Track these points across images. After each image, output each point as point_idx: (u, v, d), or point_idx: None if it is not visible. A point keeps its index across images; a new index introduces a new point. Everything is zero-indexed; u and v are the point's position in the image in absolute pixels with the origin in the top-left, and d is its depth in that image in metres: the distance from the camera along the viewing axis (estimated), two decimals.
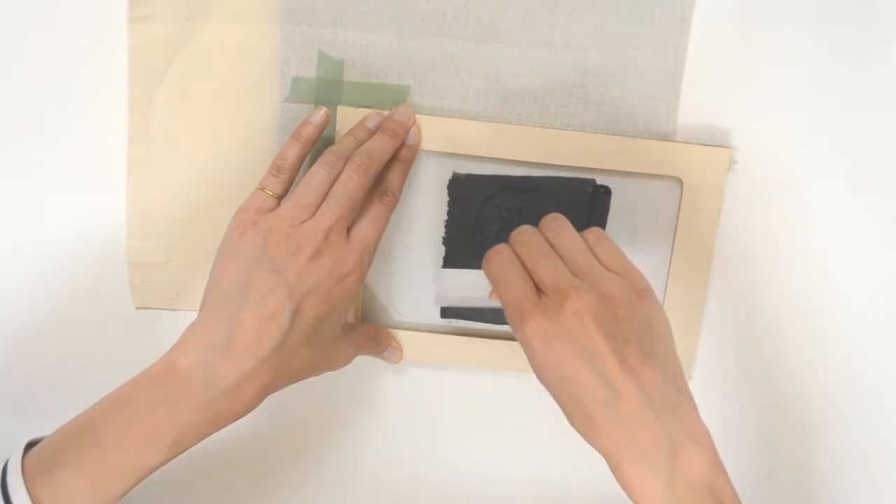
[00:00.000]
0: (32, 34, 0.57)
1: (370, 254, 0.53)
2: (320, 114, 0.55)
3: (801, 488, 0.62)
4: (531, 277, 0.48)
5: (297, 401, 0.59)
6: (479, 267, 0.58)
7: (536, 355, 0.47)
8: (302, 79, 0.57)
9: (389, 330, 0.59)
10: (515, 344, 0.59)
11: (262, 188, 0.52)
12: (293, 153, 0.54)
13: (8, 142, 0.58)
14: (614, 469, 0.46)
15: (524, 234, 0.50)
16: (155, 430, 0.48)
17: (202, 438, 0.49)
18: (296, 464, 0.63)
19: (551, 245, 0.49)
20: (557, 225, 0.50)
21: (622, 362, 0.45)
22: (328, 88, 0.57)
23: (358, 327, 0.58)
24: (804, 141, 0.57)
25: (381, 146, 0.54)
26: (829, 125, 0.57)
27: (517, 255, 0.49)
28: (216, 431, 0.50)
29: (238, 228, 0.51)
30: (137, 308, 0.60)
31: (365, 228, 0.53)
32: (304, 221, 0.51)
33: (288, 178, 0.53)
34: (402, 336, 0.60)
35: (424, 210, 0.59)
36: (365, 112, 0.56)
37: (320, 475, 0.63)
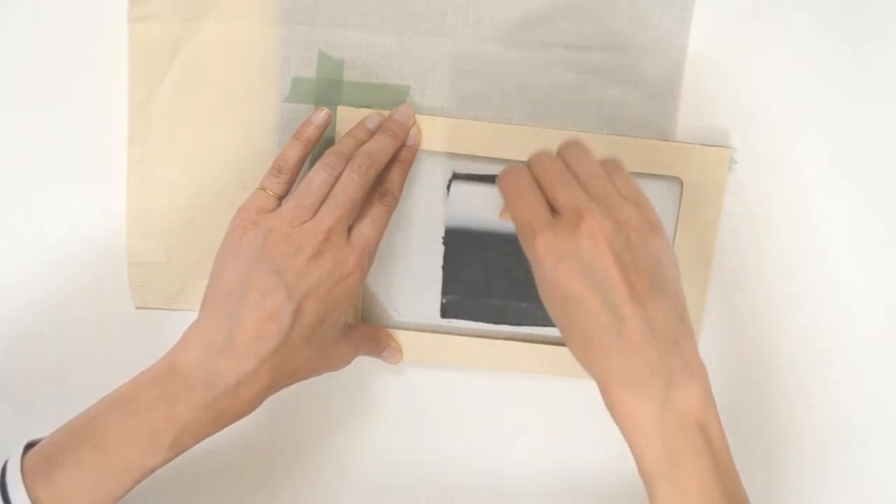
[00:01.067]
0: (32, 34, 0.57)
1: (370, 254, 0.53)
2: (321, 114, 0.55)
3: (799, 488, 0.62)
4: (546, 198, 0.48)
5: (297, 401, 0.59)
6: (477, 267, 0.58)
7: (545, 273, 0.46)
8: (302, 79, 0.57)
9: (389, 330, 0.59)
10: (516, 344, 0.60)
11: (262, 188, 0.52)
12: (294, 153, 0.54)
13: (8, 142, 0.58)
14: (606, 394, 0.46)
15: (542, 156, 0.49)
16: (155, 430, 0.48)
17: (202, 439, 0.49)
18: (295, 464, 0.63)
19: (569, 168, 0.48)
20: (577, 149, 0.49)
21: (630, 289, 0.45)
22: (328, 88, 0.57)
23: (357, 328, 0.58)
24: (804, 141, 0.57)
25: (381, 147, 0.54)
26: (829, 125, 0.57)
27: (534, 175, 0.49)
28: (217, 432, 0.50)
29: (238, 228, 0.51)
30: (137, 308, 0.60)
31: (365, 229, 0.53)
32: (305, 222, 0.51)
33: (289, 179, 0.53)
34: (402, 336, 0.60)
35: (424, 210, 0.58)
36: (365, 112, 0.56)
37: (320, 475, 0.63)
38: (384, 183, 0.55)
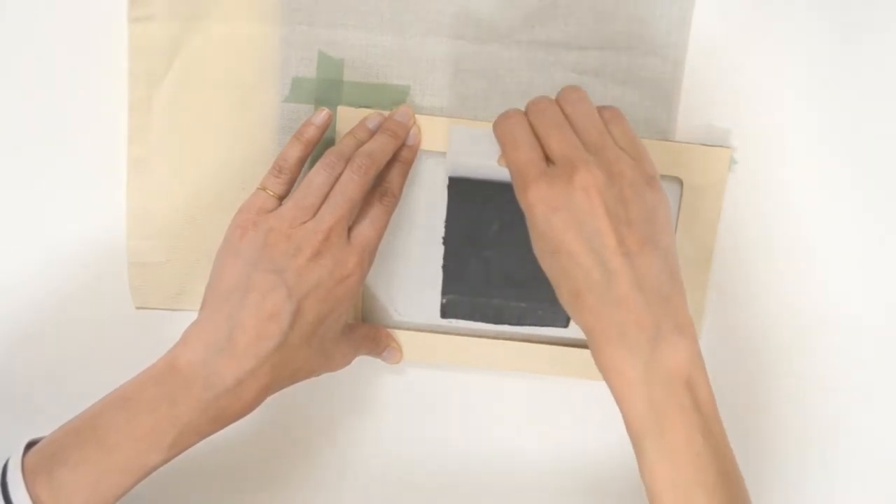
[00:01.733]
0: (32, 34, 0.57)
1: (371, 254, 0.53)
2: (322, 115, 0.55)
3: (798, 491, 0.62)
4: (541, 145, 0.47)
5: (297, 401, 0.59)
6: (477, 267, 0.58)
7: (537, 223, 0.46)
8: (302, 79, 0.57)
9: (389, 330, 0.59)
10: (516, 344, 0.60)
11: (263, 188, 0.52)
12: (294, 154, 0.54)
13: (8, 142, 0.58)
14: (594, 349, 0.46)
15: (540, 103, 0.49)
16: (156, 429, 0.48)
17: (203, 438, 0.49)
18: (296, 463, 0.63)
19: (566, 116, 0.48)
20: (576, 96, 0.49)
21: (620, 243, 0.45)
22: (328, 88, 0.57)
23: (358, 328, 0.58)
24: (804, 140, 0.57)
25: (381, 147, 0.54)
26: (829, 125, 0.57)
27: (530, 122, 0.48)
28: (217, 431, 0.50)
29: (239, 228, 0.51)
30: (137, 308, 0.60)
31: (365, 229, 0.53)
32: (305, 222, 0.51)
33: (289, 179, 0.53)
34: (402, 336, 0.60)
35: (424, 210, 0.58)
36: (365, 112, 0.56)
37: (320, 475, 0.63)
38: (384, 183, 0.55)
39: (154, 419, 0.48)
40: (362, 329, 0.58)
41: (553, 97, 0.49)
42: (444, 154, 0.57)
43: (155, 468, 0.48)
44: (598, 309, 0.45)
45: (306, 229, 0.50)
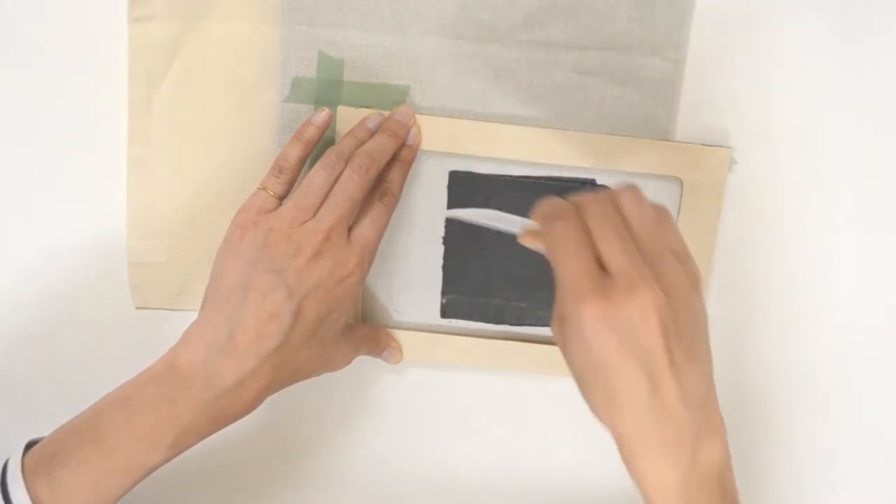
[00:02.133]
0: (32, 34, 0.57)
1: (371, 254, 0.53)
2: (322, 115, 0.55)
3: (794, 491, 0.62)
4: (594, 250, 0.45)
5: (297, 401, 0.59)
6: (477, 267, 0.58)
7: (586, 336, 0.44)
8: (302, 79, 0.57)
9: (389, 330, 0.59)
10: (516, 344, 0.59)
11: (263, 188, 0.53)
12: (295, 154, 0.54)
13: (8, 142, 0.58)
14: (628, 451, 0.45)
15: (595, 205, 0.46)
16: (156, 429, 0.48)
17: (203, 438, 0.49)
18: (296, 464, 0.63)
19: (624, 220, 0.46)
20: (633, 199, 0.46)
21: (670, 359, 0.44)
22: (328, 88, 0.57)
23: (358, 328, 0.58)
24: (804, 140, 0.57)
25: (381, 146, 0.54)
26: (829, 124, 0.57)
27: (586, 224, 0.45)
28: (217, 431, 0.50)
29: (239, 228, 0.51)
30: (137, 308, 0.60)
31: (366, 229, 0.53)
32: (305, 222, 0.51)
33: (289, 179, 0.53)
34: (402, 336, 0.60)
35: (425, 210, 0.58)
36: (365, 112, 0.56)
37: (320, 475, 0.63)
38: (384, 183, 0.55)
39: (154, 419, 0.48)
40: (362, 329, 0.58)
41: (608, 196, 0.46)
42: (444, 154, 0.57)
43: (155, 468, 0.48)
44: (637, 417, 0.44)
45: (306, 229, 0.50)
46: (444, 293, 0.59)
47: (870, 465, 0.61)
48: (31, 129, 0.58)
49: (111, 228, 0.59)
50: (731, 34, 0.56)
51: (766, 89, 0.57)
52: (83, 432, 0.48)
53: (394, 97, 0.57)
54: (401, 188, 0.55)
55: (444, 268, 0.59)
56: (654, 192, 0.57)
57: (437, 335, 0.60)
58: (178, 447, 0.48)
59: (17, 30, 0.57)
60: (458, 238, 0.58)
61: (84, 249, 0.59)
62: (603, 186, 0.57)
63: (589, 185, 0.57)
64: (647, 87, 0.57)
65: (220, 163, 0.58)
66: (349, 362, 0.56)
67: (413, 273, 0.59)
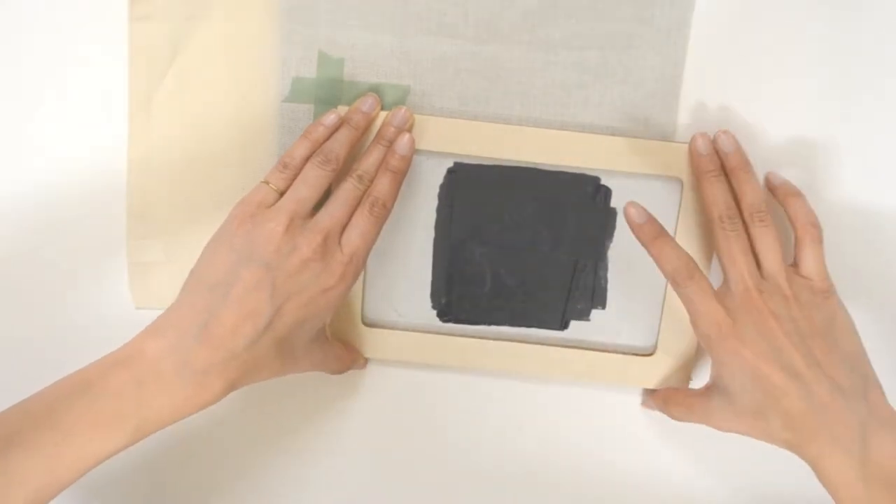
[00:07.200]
0: (33, 34, 0.57)
1: (356, 267, 0.52)
2: (332, 116, 0.55)
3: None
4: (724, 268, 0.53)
5: (295, 403, 0.59)
6: (477, 268, 0.58)
7: (728, 364, 0.51)
8: (302, 79, 0.57)
9: (389, 330, 0.59)
10: (516, 345, 0.59)
11: (266, 182, 0.52)
12: (301, 152, 0.53)
13: (7, 141, 0.58)
14: (812, 456, 0.49)
15: (734, 227, 0.53)
16: (118, 415, 0.47)
17: (163, 426, 0.48)
18: (290, 464, 0.63)
19: (751, 238, 0.53)
20: (763, 217, 0.53)
21: (807, 356, 0.49)
22: (328, 88, 0.57)
23: (332, 346, 0.57)
24: (804, 140, 0.57)
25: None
26: (829, 124, 0.57)
27: (720, 242, 0.53)
28: (177, 420, 0.48)
29: (236, 220, 0.51)
30: (137, 308, 0.60)
31: (355, 240, 0.52)
32: (304, 221, 0.51)
33: (293, 176, 0.53)
34: (403, 337, 0.59)
35: (425, 211, 0.58)
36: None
37: (317, 476, 0.63)
38: (373, 192, 0.53)
39: (118, 405, 0.47)
40: (336, 349, 0.58)
41: (739, 220, 0.53)
42: (443, 154, 0.57)
43: (113, 454, 0.47)
44: (807, 419, 0.49)
45: (304, 230, 0.50)
46: (443, 294, 0.59)
47: None
48: (31, 128, 0.58)
49: (111, 227, 0.59)
50: (732, 34, 0.56)
51: (766, 89, 0.57)
52: (39, 415, 0.46)
53: (394, 97, 0.57)
54: (392, 198, 0.54)
55: (444, 268, 0.59)
56: (654, 192, 0.57)
57: (437, 336, 0.59)
58: (138, 434, 0.47)
59: (17, 30, 0.57)
60: (457, 238, 0.58)
61: (84, 249, 0.59)
62: (605, 187, 0.57)
63: (591, 183, 0.57)
64: (647, 87, 0.57)
65: (219, 162, 0.58)
66: (315, 369, 0.55)
67: (413, 274, 0.59)
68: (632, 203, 0.54)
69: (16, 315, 0.60)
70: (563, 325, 0.60)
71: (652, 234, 0.53)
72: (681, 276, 0.52)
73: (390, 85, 0.57)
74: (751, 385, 0.50)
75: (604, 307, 0.60)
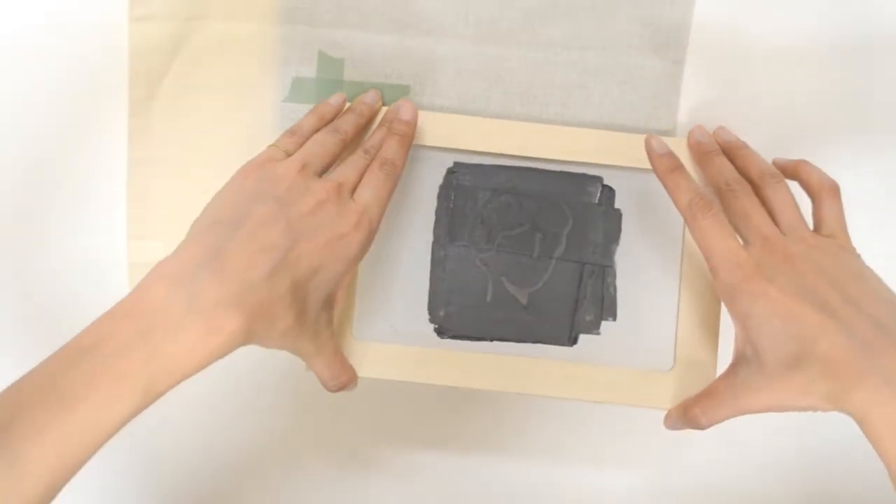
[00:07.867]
0: (32, 34, 0.57)
1: (371, 222, 0.50)
2: (339, 97, 0.55)
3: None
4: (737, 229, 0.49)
5: (296, 405, 0.59)
6: (475, 279, 0.58)
7: (755, 312, 0.46)
8: (302, 79, 0.57)
9: (386, 345, 0.56)
10: (518, 360, 0.56)
11: (274, 145, 0.51)
12: (310, 123, 0.53)
13: (7, 142, 0.58)
14: (857, 406, 0.43)
15: (743, 188, 0.51)
16: (123, 374, 0.41)
17: (176, 382, 0.43)
18: (290, 466, 0.63)
19: (764, 201, 0.50)
20: (776, 175, 0.51)
21: (842, 293, 0.45)
22: (328, 88, 0.57)
23: (334, 337, 0.53)
24: (804, 140, 0.57)
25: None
26: (829, 125, 0.57)
27: (730, 204, 0.50)
28: (190, 374, 0.43)
29: (244, 171, 0.49)
30: None
31: (367, 195, 0.50)
32: (315, 174, 0.50)
33: (301, 142, 0.52)
34: (401, 353, 0.56)
35: (422, 212, 0.57)
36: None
37: (316, 478, 0.63)
38: (382, 153, 0.52)
39: (125, 362, 0.42)
40: (337, 343, 0.53)
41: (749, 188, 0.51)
42: (444, 150, 0.56)
43: (125, 421, 0.42)
44: (850, 361, 0.43)
45: (316, 179, 0.49)
46: (441, 308, 0.57)
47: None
48: (31, 129, 0.58)
49: (111, 228, 0.59)
50: (732, 34, 0.56)
51: (766, 89, 0.57)
52: (39, 390, 0.41)
53: (394, 97, 0.57)
54: (402, 159, 0.52)
55: (442, 282, 0.57)
56: (655, 191, 0.57)
57: (436, 352, 0.56)
58: (149, 394, 0.42)
59: (17, 30, 0.57)
60: (457, 249, 0.57)
61: (84, 249, 0.59)
62: (609, 188, 0.57)
63: (595, 183, 0.57)
64: (647, 87, 0.57)
65: (220, 162, 0.57)
66: (317, 355, 0.51)
67: (410, 289, 0.57)
68: (653, 136, 0.53)
69: (15, 315, 0.60)
70: (573, 341, 0.57)
71: (670, 165, 0.51)
72: (697, 206, 0.49)
73: (390, 85, 0.57)
74: (782, 331, 0.45)
75: (614, 318, 0.56)
